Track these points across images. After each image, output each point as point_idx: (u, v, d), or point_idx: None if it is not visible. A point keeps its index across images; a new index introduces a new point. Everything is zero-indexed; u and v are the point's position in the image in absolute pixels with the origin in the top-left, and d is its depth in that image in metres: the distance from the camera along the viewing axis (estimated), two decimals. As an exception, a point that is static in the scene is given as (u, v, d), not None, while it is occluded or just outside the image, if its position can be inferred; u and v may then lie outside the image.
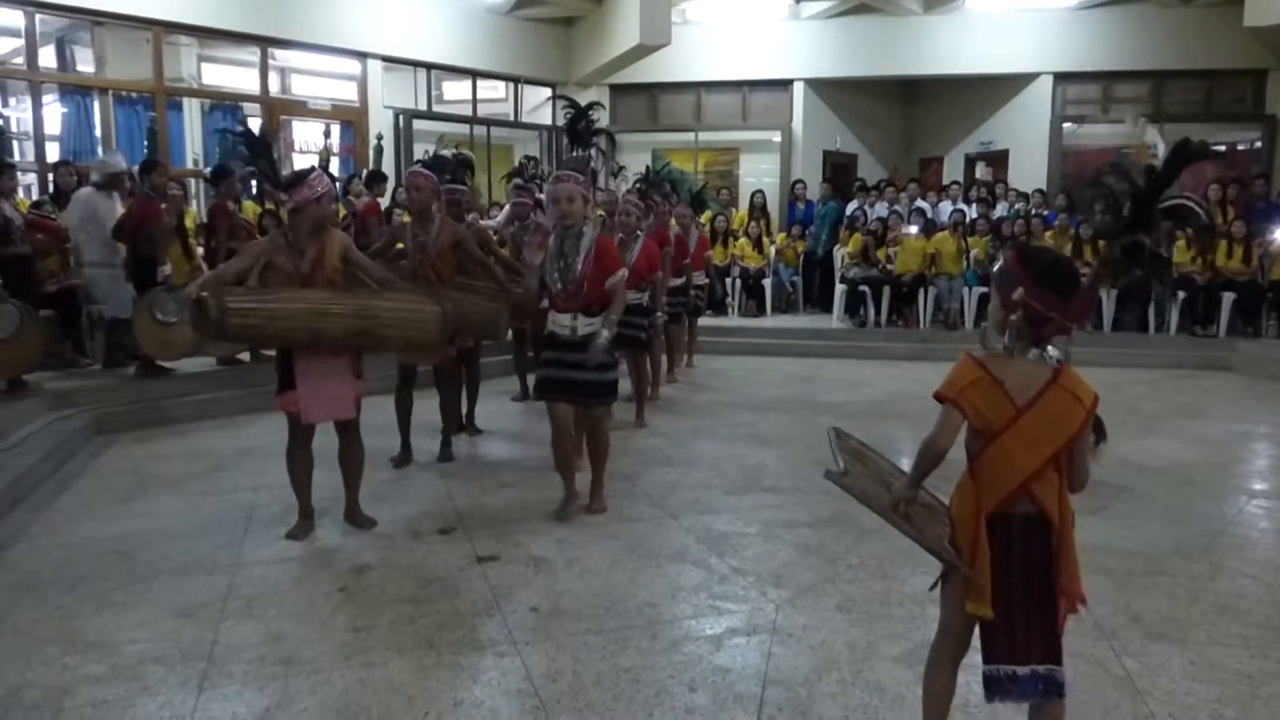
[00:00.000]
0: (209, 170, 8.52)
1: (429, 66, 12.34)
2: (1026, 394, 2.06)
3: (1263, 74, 12.20)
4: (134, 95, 10.25)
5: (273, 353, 4.26)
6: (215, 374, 7.07)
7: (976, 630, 2.18)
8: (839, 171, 13.59)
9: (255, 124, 9.98)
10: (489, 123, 13.14)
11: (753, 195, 12.10)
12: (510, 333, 6.46)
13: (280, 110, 11.26)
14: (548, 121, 13.28)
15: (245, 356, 7.24)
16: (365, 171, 9.98)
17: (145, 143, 10.18)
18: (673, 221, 7.87)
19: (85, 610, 3.35)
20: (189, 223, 7.64)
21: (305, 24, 10.87)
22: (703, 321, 9.16)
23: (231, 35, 10.63)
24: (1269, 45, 11.44)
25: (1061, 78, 12.77)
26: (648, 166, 7.57)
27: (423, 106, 12.45)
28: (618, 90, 13.59)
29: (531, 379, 5.10)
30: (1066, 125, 12.90)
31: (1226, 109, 12.57)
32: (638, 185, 6.64)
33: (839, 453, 2.30)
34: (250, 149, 4.88)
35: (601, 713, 2.66)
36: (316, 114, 11.87)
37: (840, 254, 10.95)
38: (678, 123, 13.86)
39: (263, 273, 3.85)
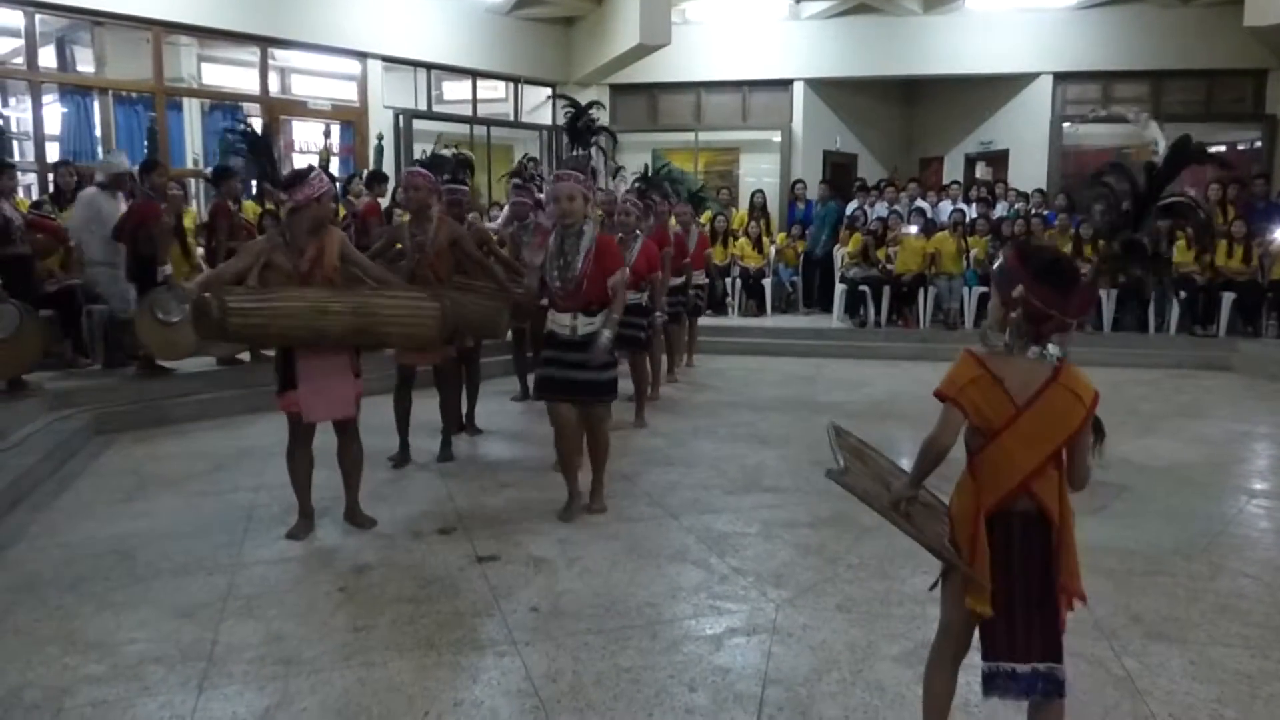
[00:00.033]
0: (210, 170, 8.52)
1: (429, 66, 12.33)
2: (1026, 392, 2.06)
3: (1263, 74, 12.20)
4: (134, 95, 10.25)
5: (272, 353, 4.26)
6: (215, 374, 7.07)
7: (976, 630, 2.18)
8: (839, 171, 13.60)
9: (257, 124, 9.98)
10: (489, 123, 13.14)
11: (753, 195, 12.10)
12: (510, 333, 6.46)
13: (280, 110, 11.26)
14: (548, 121, 13.28)
15: (245, 356, 7.24)
16: (366, 172, 9.98)
17: (145, 143, 10.18)
18: (673, 220, 7.87)
19: (85, 610, 3.35)
20: (189, 222, 7.65)
21: (305, 24, 10.87)
22: (703, 321, 9.16)
23: (231, 35, 10.62)
24: (1269, 45, 11.44)
25: (1061, 77, 12.77)
26: (646, 165, 7.56)
27: (423, 106, 12.45)
28: (618, 90, 13.59)
29: (531, 379, 5.10)
30: (1067, 125, 12.90)
31: (1226, 109, 12.57)
32: (636, 185, 6.64)
33: (839, 450, 2.30)
34: (251, 149, 4.89)
35: (601, 713, 2.66)
36: (316, 114, 11.87)
37: (840, 254, 10.95)
38: (678, 123, 13.86)
39: (262, 272, 3.85)
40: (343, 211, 8.53)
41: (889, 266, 10.43)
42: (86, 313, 7.00)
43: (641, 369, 6.52)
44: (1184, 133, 4.50)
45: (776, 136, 13.62)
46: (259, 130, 5.09)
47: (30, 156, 9.77)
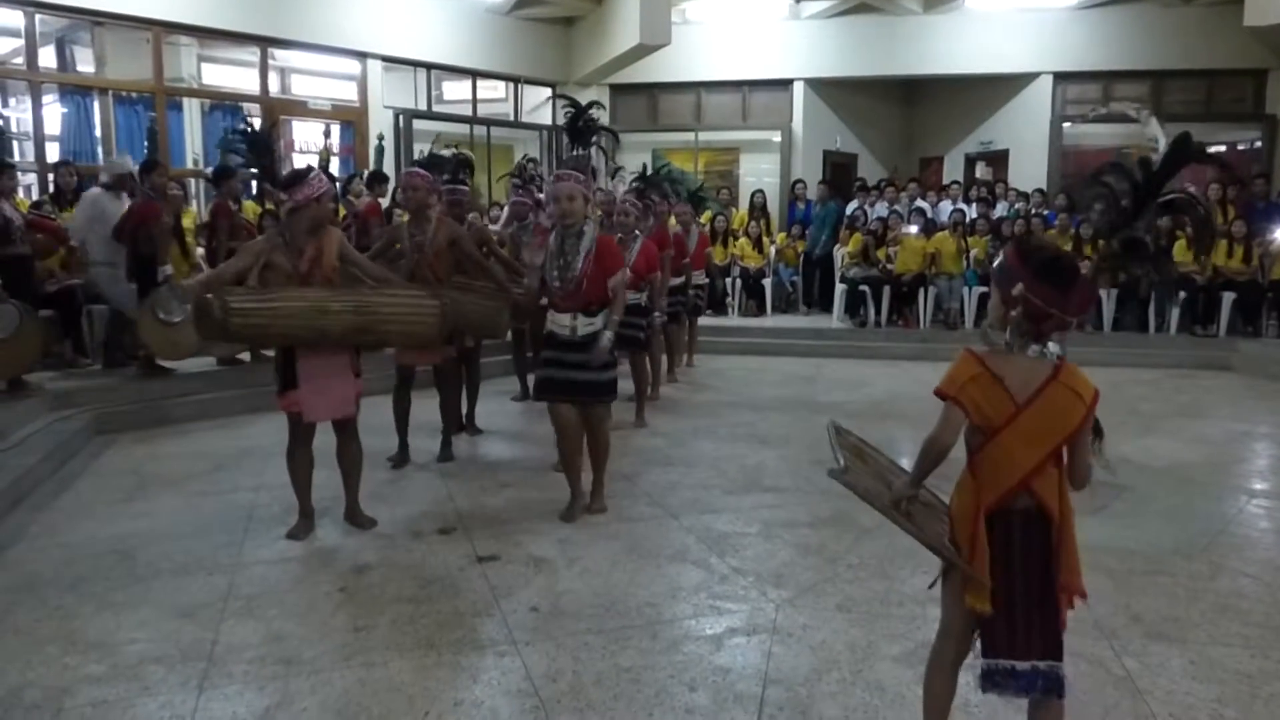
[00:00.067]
0: (211, 170, 8.52)
1: (429, 66, 12.34)
2: (1026, 391, 2.06)
3: (1263, 74, 12.20)
4: (134, 95, 10.25)
5: (272, 353, 4.27)
6: (215, 374, 7.07)
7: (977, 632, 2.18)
8: (839, 171, 13.60)
9: (260, 124, 9.97)
10: (489, 123, 13.14)
11: (753, 195, 12.09)
12: (510, 332, 6.46)
13: (280, 110, 11.25)
14: (548, 121, 13.28)
15: (245, 356, 7.25)
16: (367, 172, 9.98)
17: (145, 143, 10.18)
18: (672, 220, 7.87)
19: (85, 610, 3.35)
20: (189, 222, 7.65)
21: (305, 24, 10.87)
22: (703, 321, 9.16)
23: (231, 35, 10.63)
24: (1269, 45, 11.45)
25: (1061, 77, 12.77)
26: (644, 165, 7.55)
27: (423, 106, 12.45)
28: (618, 90, 13.59)
29: (531, 379, 5.10)
30: (1067, 125, 12.90)
31: (1226, 109, 12.57)
32: (635, 184, 6.64)
33: (839, 449, 2.29)
34: (250, 149, 4.89)
35: (602, 712, 2.66)
36: (316, 114, 11.87)
37: (840, 254, 10.95)
38: (678, 123, 13.86)
39: (261, 272, 3.85)
40: (343, 212, 8.53)
41: (889, 266, 10.43)
42: (86, 313, 7.01)
43: (641, 369, 6.52)
44: (1184, 132, 4.49)
45: (776, 136, 13.62)
46: (263, 131, 5.09)
47: (30, 156, 9.77)
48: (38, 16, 9.31)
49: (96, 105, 10.00)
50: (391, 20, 11.57)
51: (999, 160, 13.54)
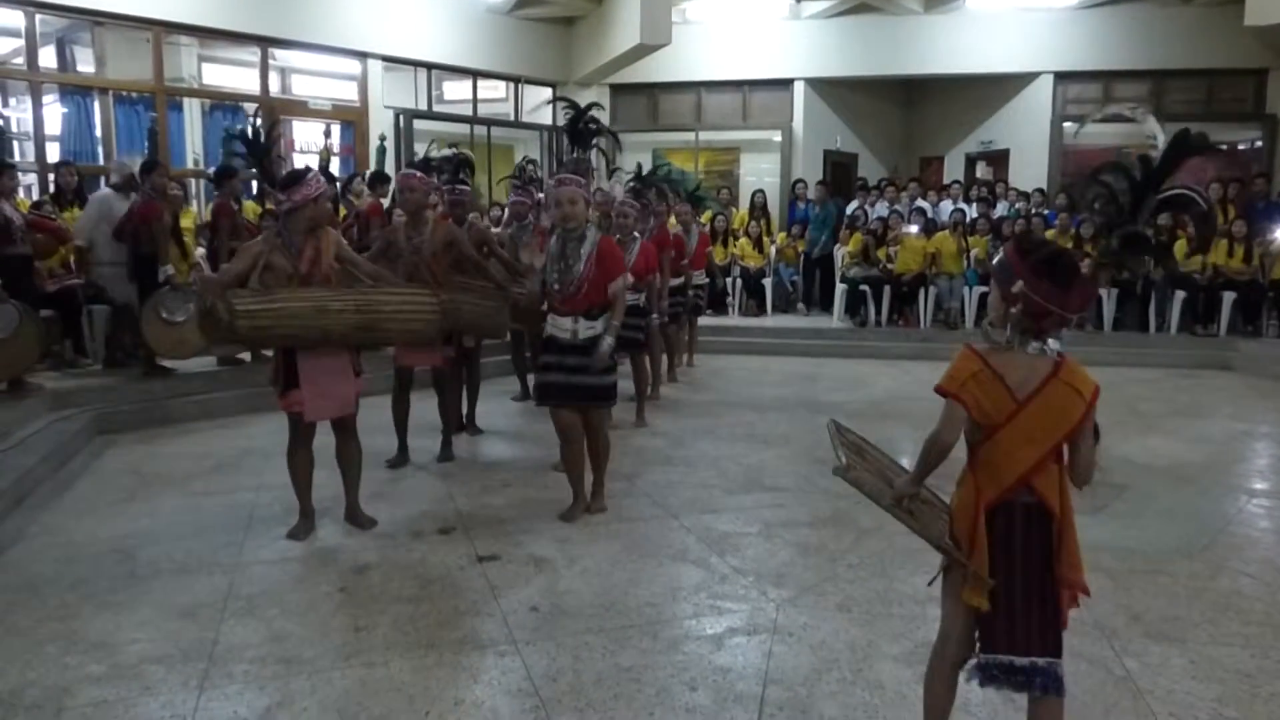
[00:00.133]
0: (212, 170, 8.52)
1: (429, 66, 12.33)
2: (1026, 388, 2.06)
3: (1263, 73, 12.19)
4: (134, 95, 10.24)
5: (270, 353, 4.27)
6: (216, 374, 7.08)
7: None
8: (839, 171, 13.60)
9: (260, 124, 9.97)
10: (489, 122, 13.14)
11: (753, 195, 12.09)
12: (509, 332, 6.46)
13: (280, 110, 11.25)
14: (548, 121, 13.28)
15: (246, 356, 7.25)
16: (369, 172, 9.98)
17: (145, 143, 10.18)
18: (672, 220, 7.87)
19: (86, 610, 3.35)
20: (188, 222, 7.65)
21: (305, 24, 10.87)
22: (703, 321, 9.16)
23: (231, 35, 10.62)
24: (1269, 45, 11.44)
25: (1061, 77, 12.76)
26: (639, 164, 7.55)
27: (423, 106, 12.45)
28: (618, 90, 13.58)
29: (531, 379, 5.11)
30: (1067, 124, 12.89)
31: (1227, 108, 12.57)
32: (630, 184, 6.64)
33: (840, 447, 2.30)
34: (249, 149, 4.89)
35: (602, 712, 2.66)
36: (317, 114, 11.86)
37: (841, 253, 10.95)
38: (678, 122, 13.85)
39: (261, 274, 3.86)
40: (343, 212, 8.53)
41: (889, 266, 10.43)
42: (86, 312, 7.00)
43: (641, 369, 6.52)
44: (1183, 129, 4.48)
45: (777, 136, 13.61)
46: (263, 130, 5.08)
47: (30, 156, 9.77)
48: (38, 16, 9.30)
49: (97, 105, 10.00)
50: (392, 20, 11.57)
51: (999, 160, 13.53)
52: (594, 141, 5.52)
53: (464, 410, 6.07)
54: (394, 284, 4.36)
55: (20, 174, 8.32)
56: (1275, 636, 3.17)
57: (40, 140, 9.59)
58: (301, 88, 12.39)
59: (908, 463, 2.58)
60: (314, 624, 3.24)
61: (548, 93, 13.33)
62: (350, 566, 3.78)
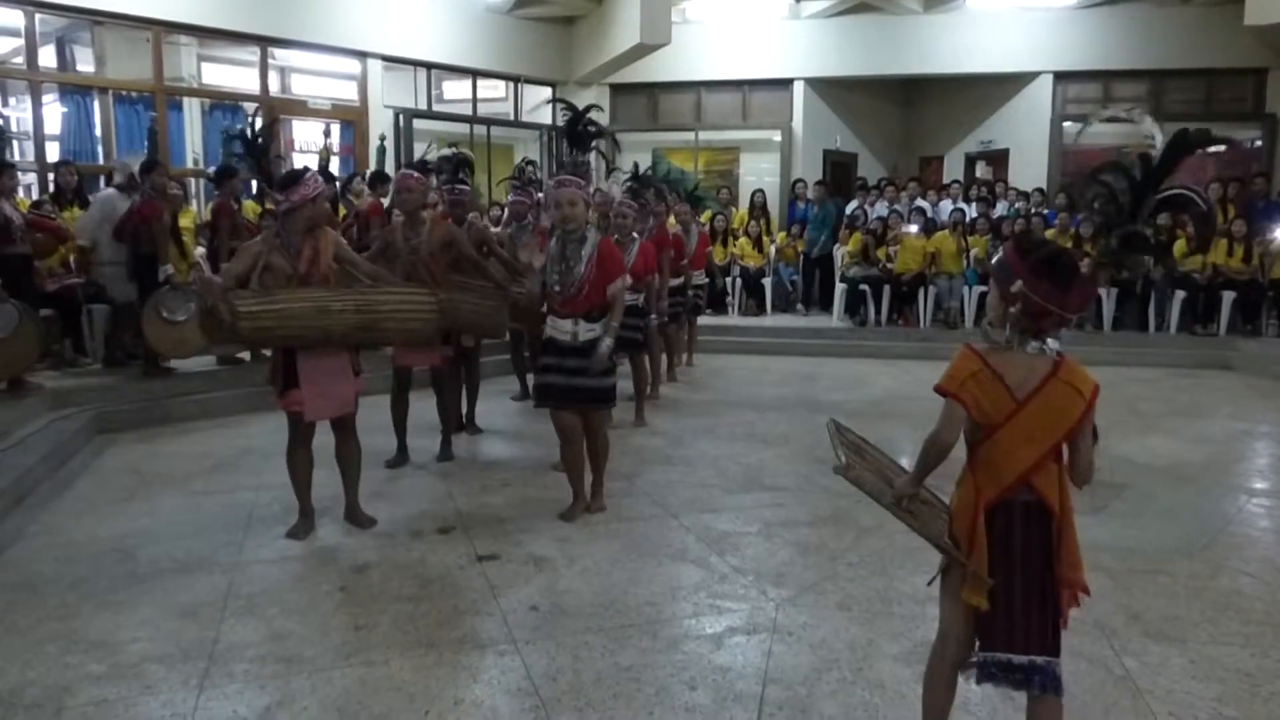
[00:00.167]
0: (212, 170, 8.52)
1: (429, 66, 12.33)
2: (1026, 387, 2.06)
3: (1263, 73, 12.20)
4: (134, 95, 10.24)
5: (269, 352, 4.28)
6: (216, 373, 7.08)
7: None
8: (839, 171, 13.60)
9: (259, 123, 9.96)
10: (489, 122, 13.14)
11: (753, 194, 12.09)
12: (508, 332, 6.46)
13: (280, 110, 11.25)
14: (548, 121, 13.28)
15: (245, 356, 7.25)
16: (369, 172, 9.98)
17: (145, 142, 10.18)
18: (672, 220, 7.86)
19: (86, 610, 3.35)
20: (188, 222, 7.65)
21: (305, 24, 10.87)
22: (703, 321, 9.16)
23: (231, 35, 10.62)
24: (1269, 44, 11.44)
25: (1061, 77, 12.76)
26: (635, 164, 7.55)
27: (423, 106, 12.45)
28: (618, 90, 13.58)
29: (530, 379, 5.10)
30: (1067, 124, 12.89)
31: (1226, 108, 12.56)
32: (628, 185, 6.64)
33: (839, 447, 2.30)
34: (248, 149, 4.89)
35: (602, 711, 2.66)
36: (316, 114, 11.87)
37: (840, 253, 10.95)
38: (678, 122, 13.85)
39: (260, 274, 3.87)
40: (343, 212, 8.53)
41: (889, 266, 10.43)
42: (86, 312, 7.01)
43: (641, 369, 6.52)
44: (1182, 129, 4.49)
45: (776, 136, 13.61)
46: (261, 130, 5.09)
47: (30, 156, 9.77)
48: (38, 16, 9.30)
49: (96, 105, 10.00)
50: (391, 19, 11.57)
51: (999, 160, 13.54)
52: (593, 144, 5.53)
53: (463, 410, 6.07)
54: (393, 284, 4.37)
55: (20, 173, 8.32)
56: (1275, 636, 3.17)
57: (40, 140, 9.59)
58: (301, 87, 12.39)
59: (907, 462, 2.58)
60: (314, 623, 3.24)
61: (547, 92, 13.34)
62: (350, 566, 3.78)
